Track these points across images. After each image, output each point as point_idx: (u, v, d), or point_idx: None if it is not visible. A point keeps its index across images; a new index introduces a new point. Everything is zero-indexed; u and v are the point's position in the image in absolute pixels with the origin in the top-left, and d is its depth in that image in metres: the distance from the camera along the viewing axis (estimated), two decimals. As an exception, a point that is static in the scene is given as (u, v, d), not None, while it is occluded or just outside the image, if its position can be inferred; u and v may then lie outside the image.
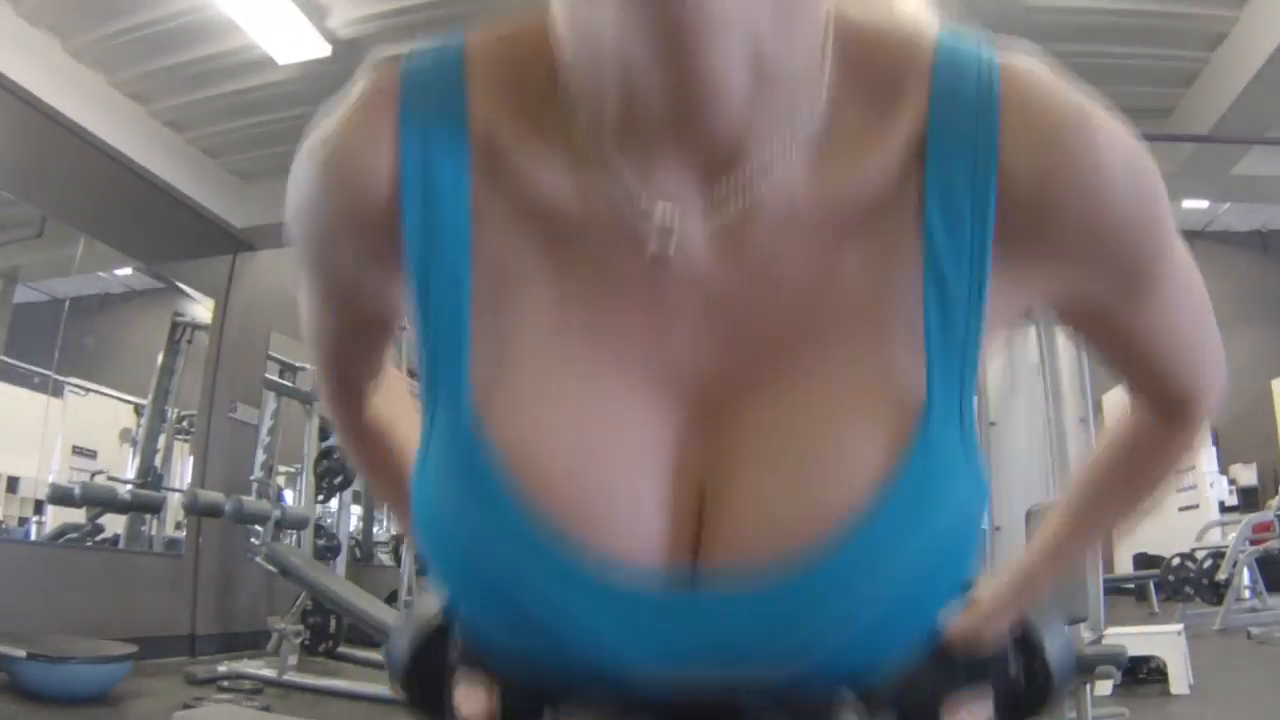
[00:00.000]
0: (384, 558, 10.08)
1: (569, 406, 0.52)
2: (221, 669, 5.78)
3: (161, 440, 7.33)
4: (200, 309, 7.60)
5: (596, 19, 0.48)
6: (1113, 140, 0.51)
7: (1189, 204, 13.25)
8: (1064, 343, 6.09)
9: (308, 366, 8.64)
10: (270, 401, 8.36)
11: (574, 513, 0.51)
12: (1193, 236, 15.96)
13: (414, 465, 0.56)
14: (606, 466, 0.52)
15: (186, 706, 4.78)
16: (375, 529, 10.34)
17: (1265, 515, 9.36)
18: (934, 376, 0.51)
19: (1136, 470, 0.74)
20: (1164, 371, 0.64)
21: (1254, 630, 8.03)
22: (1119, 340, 0.61)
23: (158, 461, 7.28)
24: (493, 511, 0.51)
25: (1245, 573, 9.34)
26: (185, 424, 7.57)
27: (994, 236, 0.51)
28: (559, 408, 0.52)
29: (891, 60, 0.53)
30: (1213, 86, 6.31)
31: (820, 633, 0.50)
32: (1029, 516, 4.65)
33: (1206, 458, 12.84)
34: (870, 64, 0.53)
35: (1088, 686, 4.03)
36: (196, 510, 6.09)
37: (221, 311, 7.65)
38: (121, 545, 7.02)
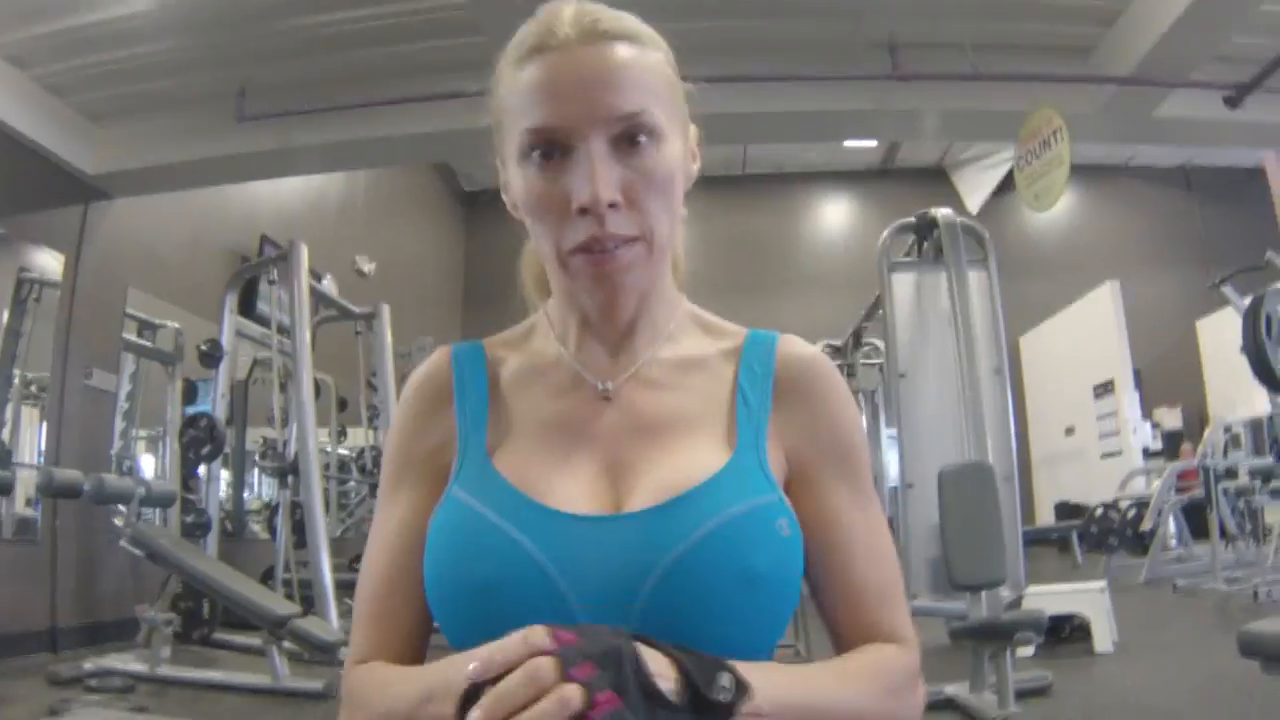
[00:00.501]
0: (256, 529, 9.83)
1: (540, 452, 1.02)
2: (88, 666, 5.65)
3: (9, 411, 7.10)
4: (51, 262, 7.33)
5: (572, 289, 1.02)
6: (825, 366, 1.10)
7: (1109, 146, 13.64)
8: (978, 288, 6.12)
9: (171, 323, 8.50)
10: (129, 364, 8.14)
11: (539, 490, 0.96)
12: (1114, 172, 16.37)
13: (444, 494, 1.00)
14: (559, 474, 0.99)
15: (53, 713, 4.65)
16: (246, 494, 10.17)
17: (1189, 463, 9.73)
18: (742, 436, 1.02)
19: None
20: (861, 592, 1.03)
21: (1180, 582, 8.38)
22: (825, 520, 1.03)
23: (5, 435, 7.05)
24: (496, 488, 0.97)
25: (1170, 522, 9.77)
26: (33, 389, 7.33)
27: (771, 390, 1.07)
28: (535, 453, 1.02)
29: (721, 326, 1.15)
30: (1135, 26, 6.44)
31: (682, 534, 0.91)
32: (941, 476, 4.70)
33: (1129, 403, 13.27)
34: (706, 324, 1.15)
35: (1008, 652, 4.18)
36: (52, 491, 5.90)
37: (73, 266, 7.35)
38: (-35, 531, 6.70)
